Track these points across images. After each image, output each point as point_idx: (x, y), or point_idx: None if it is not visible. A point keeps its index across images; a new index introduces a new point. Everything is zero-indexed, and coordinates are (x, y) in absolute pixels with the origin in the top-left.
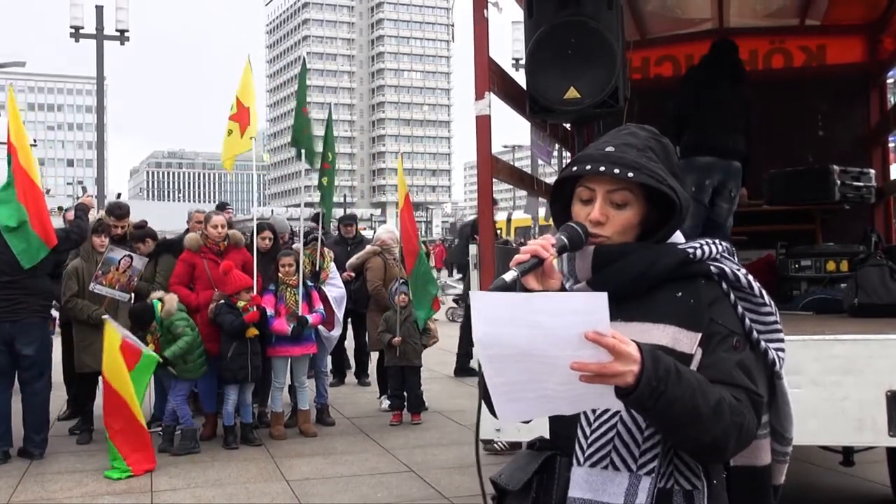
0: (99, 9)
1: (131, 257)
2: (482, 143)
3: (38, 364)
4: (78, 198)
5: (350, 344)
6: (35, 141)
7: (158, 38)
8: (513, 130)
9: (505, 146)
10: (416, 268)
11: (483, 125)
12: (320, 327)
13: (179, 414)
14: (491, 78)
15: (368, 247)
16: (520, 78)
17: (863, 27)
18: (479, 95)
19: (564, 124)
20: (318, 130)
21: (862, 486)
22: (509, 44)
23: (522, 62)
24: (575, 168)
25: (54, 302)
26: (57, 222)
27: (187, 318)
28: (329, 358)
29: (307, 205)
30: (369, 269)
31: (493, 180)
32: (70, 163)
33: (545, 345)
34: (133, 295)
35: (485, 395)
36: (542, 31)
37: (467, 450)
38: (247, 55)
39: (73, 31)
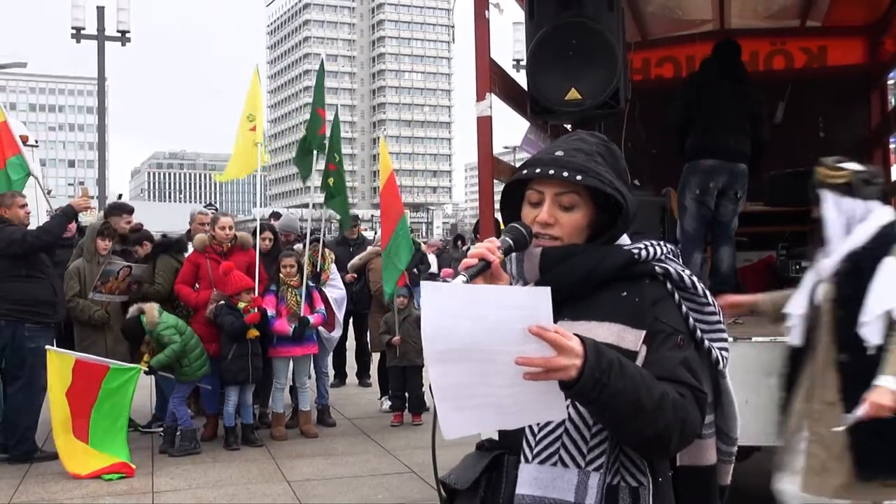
0: (100, 10)
1: (131, 268)
2: (483, 144)
3: (10, 367)
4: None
5: (351, 345)
6: (37, 142)
7: (159, 38)
8: (513, 131)
9: (505, 147)
10: (389, 243)
11: (484, 126)
12: (321, 328)
13: (178, 415)
14: (492, 79)
15: (371, 247)
16: (520, 79)
17: (863, 29)
18: (480, 96)
19: (565, 125)
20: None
21: None
22: (510, 45)
23: (523, 63)
24: (525, 171)
25: None
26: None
27: (175, 325)
28: (330, 359)
29: (307, 206)
30: (372, 270)
31: (494, 181)
32: (71, 163)
33: (488, 339)
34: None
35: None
36: (544, 32)
37: (468, 451)
38: (255, 66)
39: (74, 31)
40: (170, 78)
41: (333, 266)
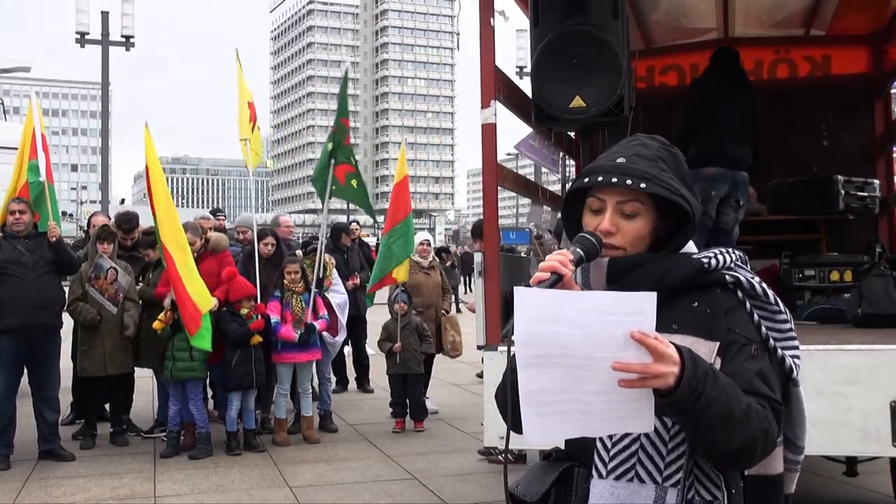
0: (104, 14)
1: (116, 271)
2: (487, 151)
3: None
4: (82, 202)
5: (347, 350)
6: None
7: (163, 43)
8: (517, 138)
9: (508, 154)
10: (388, 235)
11: (488, 133)
12: (325, 333)
13: (197, 418)
14: (497, 86)
15: None
16: (524, 86)
17: (867, 37)
18: (484, 103)
19: (569, 133)
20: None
21: (865, 497)
22: (513, 52)
23: (527, 70)
24: (587, 180)
25: None
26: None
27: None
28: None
29: (310, 211)
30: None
31: (498, 188)
32: (74, 168)
33: (586, 345)
34: (140, 302)
35: (503, 406)
36: (548, 39)
37: (470, 457)
38: (235, 51)
39: (78, 36)
40: (173, 83)
41: (335, 271)
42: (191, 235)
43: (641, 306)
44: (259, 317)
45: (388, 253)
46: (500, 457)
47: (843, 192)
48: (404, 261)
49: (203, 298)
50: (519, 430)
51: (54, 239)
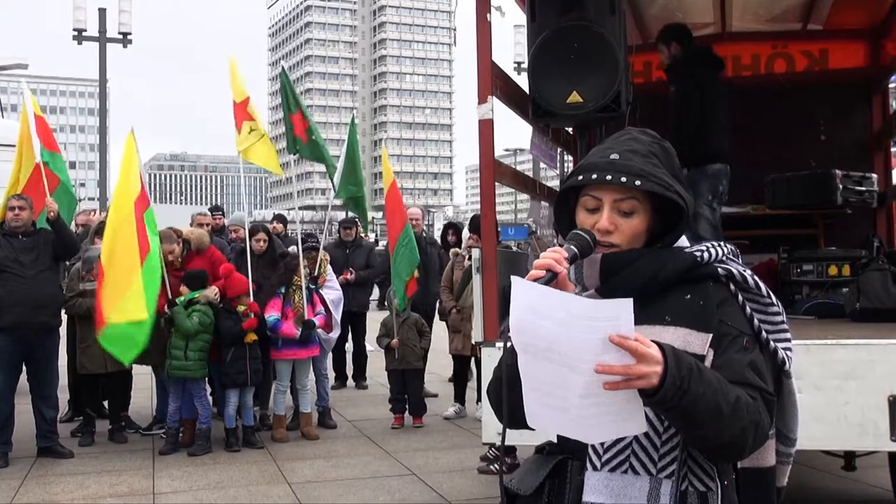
0: (102, 11)
1: None
2: (485, 147)
3: None
4: (80, 200)
5: (348, 346)
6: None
7: (161, 40)
8: (514, 134)
9: (506, 149)
10: (395, 252)
11: (486, 129)
12: (320, 330)
13: (202, 413)
14: (494, 82)
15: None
16: (522, 82)
17: (865, 32)
18: (482, 99)
19: (567, 128)
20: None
21: (864, 491)
22: (511, 47)
23: (524, 66)
24: (580, 177)
25: None
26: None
27: (209, 318)
28: (329, 361)
29: (307, 208)
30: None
31: (496, 184)
32: (72, 165)
33: (568, 344)
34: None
35: (497, 404)
36: (545, 35)
37: (468, 453)
38: (227, 58)
39: (75, 33)
40: (171, 80)
41: (329, 268)
42: (166, 245)
43: (619, 312)
44: (253, 315)
45: (398, 271)
46: (492, 468)
47: (840, 186)
48: (413, 273)
49: (125, 308)
50: (513, 426)
51: (52, 215)
